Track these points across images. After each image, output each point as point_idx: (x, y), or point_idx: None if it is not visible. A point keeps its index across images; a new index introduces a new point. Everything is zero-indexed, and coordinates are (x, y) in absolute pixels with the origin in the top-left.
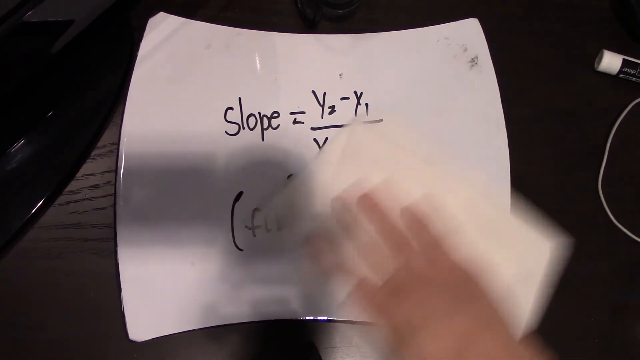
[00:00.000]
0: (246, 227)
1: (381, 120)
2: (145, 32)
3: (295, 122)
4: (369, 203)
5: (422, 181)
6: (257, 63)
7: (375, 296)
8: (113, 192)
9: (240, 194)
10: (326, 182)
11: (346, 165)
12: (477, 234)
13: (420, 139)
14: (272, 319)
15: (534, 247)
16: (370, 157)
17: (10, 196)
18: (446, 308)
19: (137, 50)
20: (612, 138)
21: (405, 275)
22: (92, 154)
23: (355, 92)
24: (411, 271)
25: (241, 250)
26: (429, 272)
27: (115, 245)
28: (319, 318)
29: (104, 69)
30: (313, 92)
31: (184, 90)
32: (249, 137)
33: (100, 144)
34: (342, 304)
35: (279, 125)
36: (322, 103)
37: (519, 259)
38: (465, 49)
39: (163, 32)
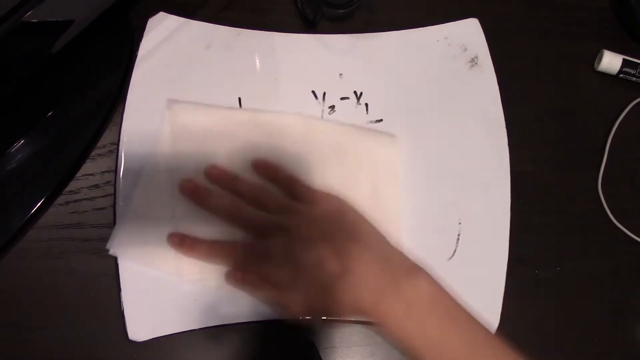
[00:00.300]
0: None
1: (381, 120)
2: (145, 32)
3: None
4: (215, 172)
5: (257, 132)
6: (257, 63)
7: (249, 259)
8: (113, 192)
9: None
10: (170, 171)
11: (182, 147)
12: (326, 160)
13: (420, 139)
14: (272, 319)
15: (382, 150)
16: (201, 131)
17: (10, 196)
18: (323, 235)
19: (137, 50)
20: (612, 138)
21: (277, 218)
22: (92, 154)
23: (355, 92)
24: (281, 211)
25: None
26: (294, 206)
27: None
28: None
29: (104, 69)
30: (313, 92)
31: (184, 90)
32: None
33: (100, 144)
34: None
35: None
36: (322, 103)
37: (372, 165)
38: (465, 49)
39: (163, 32)
